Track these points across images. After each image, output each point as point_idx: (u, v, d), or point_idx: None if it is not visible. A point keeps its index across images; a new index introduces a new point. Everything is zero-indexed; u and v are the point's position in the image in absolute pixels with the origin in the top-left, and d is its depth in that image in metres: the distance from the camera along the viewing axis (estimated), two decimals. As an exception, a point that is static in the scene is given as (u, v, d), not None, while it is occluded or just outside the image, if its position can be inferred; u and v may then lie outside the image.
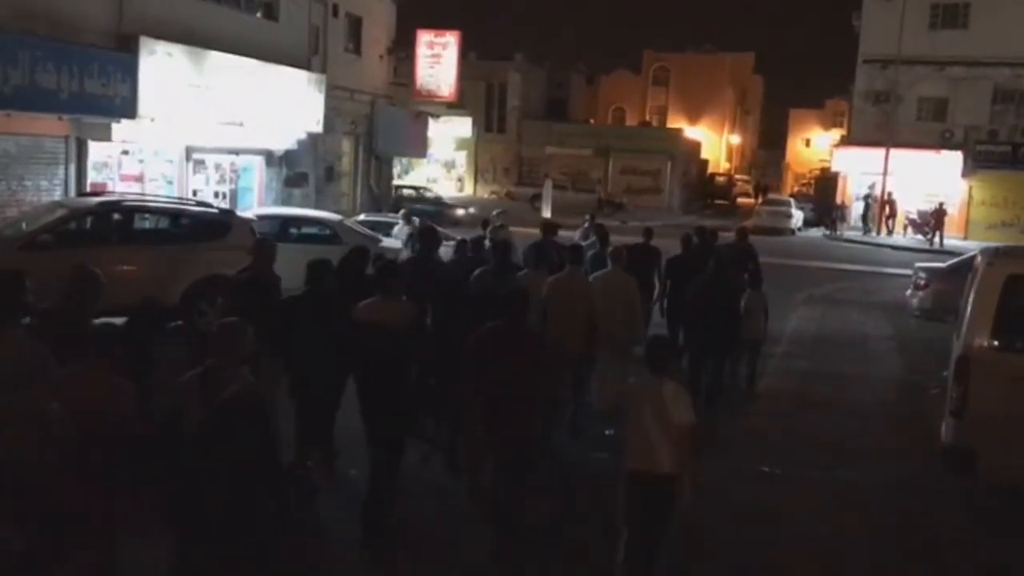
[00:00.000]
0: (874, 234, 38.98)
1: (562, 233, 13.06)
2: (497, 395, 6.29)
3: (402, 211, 18.52)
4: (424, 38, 38.83)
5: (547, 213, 34.90)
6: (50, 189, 16.54)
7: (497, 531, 6.58)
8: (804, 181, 65.60)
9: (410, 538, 6.93)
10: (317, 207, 22.99)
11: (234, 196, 21.78)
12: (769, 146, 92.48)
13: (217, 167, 21.40)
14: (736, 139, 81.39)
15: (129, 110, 17.01)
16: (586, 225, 16.27)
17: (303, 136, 24.04)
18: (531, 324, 7.32)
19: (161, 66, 17.78)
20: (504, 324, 6.54)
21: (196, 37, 18.97)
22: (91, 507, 4.54)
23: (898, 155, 38.31)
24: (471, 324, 6.79)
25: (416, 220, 18.04)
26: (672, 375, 6.02)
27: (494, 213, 18.55)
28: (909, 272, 19.71)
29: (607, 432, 8.53)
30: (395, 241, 16.73)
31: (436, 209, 32.08)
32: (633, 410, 5.94)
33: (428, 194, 37.98)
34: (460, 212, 33.66)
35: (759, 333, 11.78)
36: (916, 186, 39.12)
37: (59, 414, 4.36)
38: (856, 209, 41.13)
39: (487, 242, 11.32)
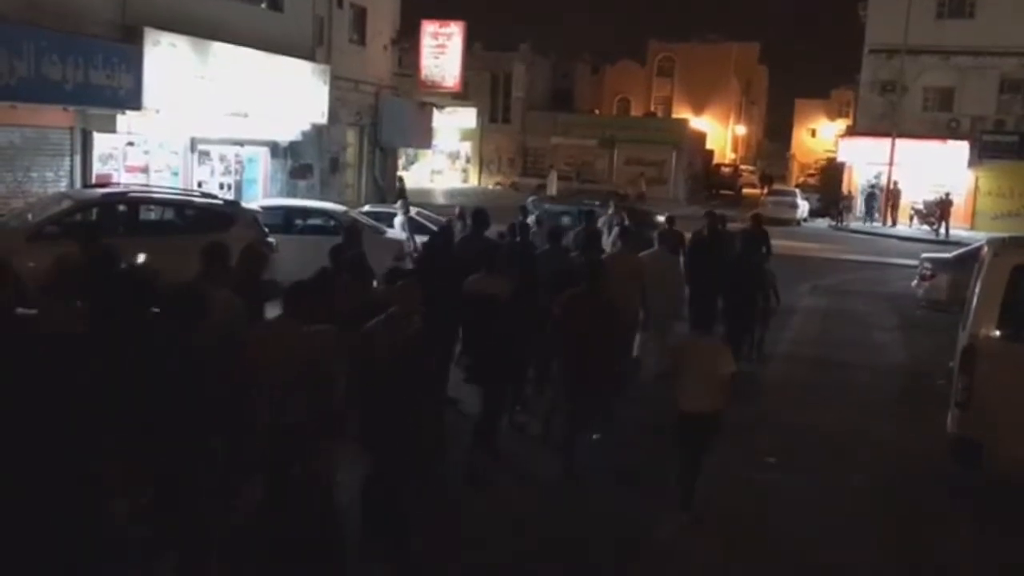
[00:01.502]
0: (879, 224, 38.91)
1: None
2: (580, 349, 7.81)
3: (399, 202, 18.53)
4: (428, 28, 38.73)
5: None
6: (56, 180, 16.55)
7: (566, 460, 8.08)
8: (810, 171, 65.38)
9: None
10: (322, 198, 22.98)
11: (239, 187, 21.77)
12: (775, 136, 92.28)
13: (222, 158, 21.39)
14: (741, 129, 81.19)
15: (134, 101, 17.00)
16: (610, 212, 17.28)
17: (308, 127, 24.02)
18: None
19: (166, 57, 17.77)
20: (585, 291, 8.07)
21: (200, 28, 18.94)
22: (317, 425, 5.50)
23: (904, 145, 38.19)
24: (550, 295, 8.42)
25: (413, 210, 18.16)
26: (716, 334, 7.67)
27: (529, 200, 19.86)
28: (915, 263, 19.68)
29: (594, 437, 8.73)
30: (399, 232, 16.72)
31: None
32: (685, 362, 7.41)
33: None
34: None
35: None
36: (922, 176, 39.00)
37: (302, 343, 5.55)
38: (861, 199, 41.07)
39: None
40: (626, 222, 15.02)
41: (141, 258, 11.39)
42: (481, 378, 8.28)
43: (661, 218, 19.99)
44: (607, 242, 13.25)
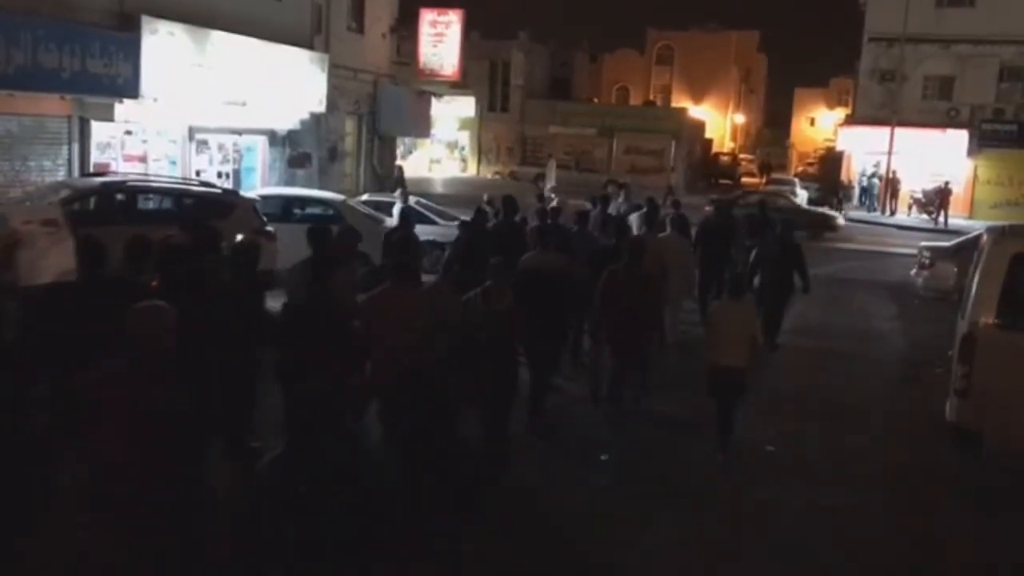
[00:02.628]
0: (878, 213, 38.88)
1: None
2: (622, 317, 8.93)
3: (399, 191, 18.58)
4: (427, 17, 38.63)
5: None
6: (54, 169, 16.51)
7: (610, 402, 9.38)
8: (809, 160, 65.31)
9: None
10: (320, 187, 22.90)
11: (237, 176, 21.73)
12: (774, 125, 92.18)
13: (220, 147, 21.33)
14: (740, 118, 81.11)
15: (132, 90, 16.94)
16: (620, 199, 18.33)
17: (306, 116, 23.95)
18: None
19: (163, 45, 17.70)
20: (626, 266, 9.13)
21: (198, 16, 18.86)
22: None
23: (903, 134, 38.16)
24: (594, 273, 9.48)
25: (412, 199, 18.21)
26: (745, 300, 9.03)
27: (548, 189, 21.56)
28: (914, 251, 19.69)
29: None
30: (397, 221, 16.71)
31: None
32: (720, 322, 8.62)
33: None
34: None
35: None
36: (921, 165, 38.98)
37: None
38: (860, 188, 41.06)
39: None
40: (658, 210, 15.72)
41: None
42: (537, 345, 8.96)
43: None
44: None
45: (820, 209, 33.65)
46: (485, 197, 16.25)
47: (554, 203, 16.74)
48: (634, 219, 14.56)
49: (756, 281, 12.92)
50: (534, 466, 8.15)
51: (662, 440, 9.21)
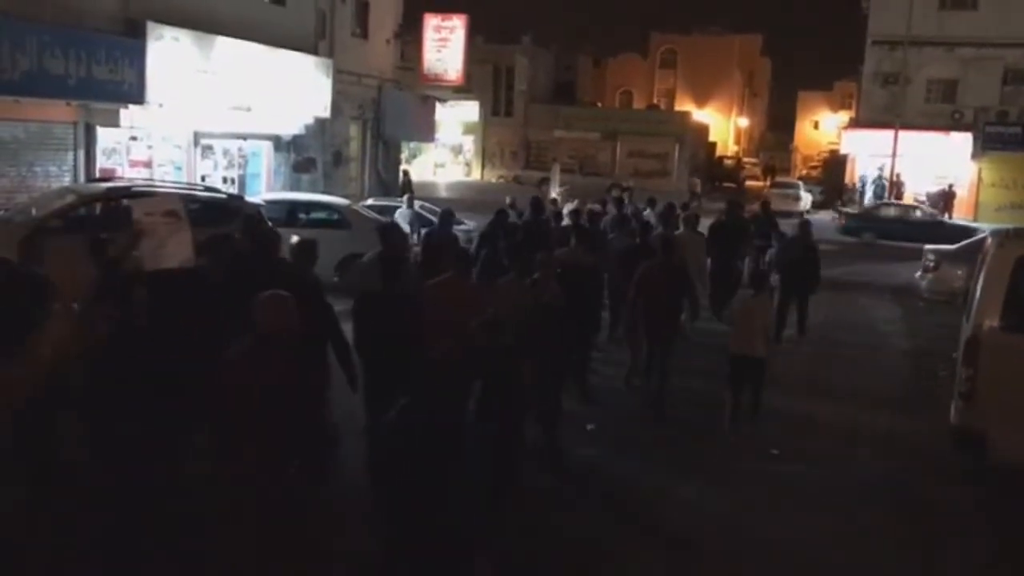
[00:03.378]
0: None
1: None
2: (656, 304, 9.82)
3: (406, 196, 18.69)
4: (431, 22, 38.69)
5: (554, 195, 34.81)
6: (59, 175, 16.57)
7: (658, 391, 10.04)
8: (813, 163, 65.27)
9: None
10: (325, 192, 22.95)
11: (242, 181, 21.79)
12: (777, 128, 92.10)
13: (225, 152, 21.40)
14: (744, 122, 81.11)
15: (137, 96, 17.01)
16: (627, 202, 19.09)
17: (311, 121, 24.01)
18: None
19: (168, 51, 17.77)
20: (661, 260, 10.09)
21: (203, 22, 18.94)
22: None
23: (907, 137, 38.10)
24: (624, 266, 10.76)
25: (417, 204, 18.39)
26: (763, 294, 10.07)
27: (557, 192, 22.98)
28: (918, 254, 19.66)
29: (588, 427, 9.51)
30: (403, 225, 16.74)
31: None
32: (743, 315, 9.61)
33: None
34: None
35: None
36: (925, 168, 38.93)
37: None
38: (865, 191, 40.97)
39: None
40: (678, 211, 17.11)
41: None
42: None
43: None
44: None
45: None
46: (508, 199, 17.20)
47: (574, 205, 18.71)
48: (650, 217, 15.96)
49: (776, 279, 14.26)
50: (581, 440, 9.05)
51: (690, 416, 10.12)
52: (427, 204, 20.10)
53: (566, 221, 14.24)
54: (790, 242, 14.83)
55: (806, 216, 36.49)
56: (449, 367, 4.62)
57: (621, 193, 20.26)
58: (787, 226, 17.75)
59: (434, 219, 18.24)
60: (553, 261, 9.03)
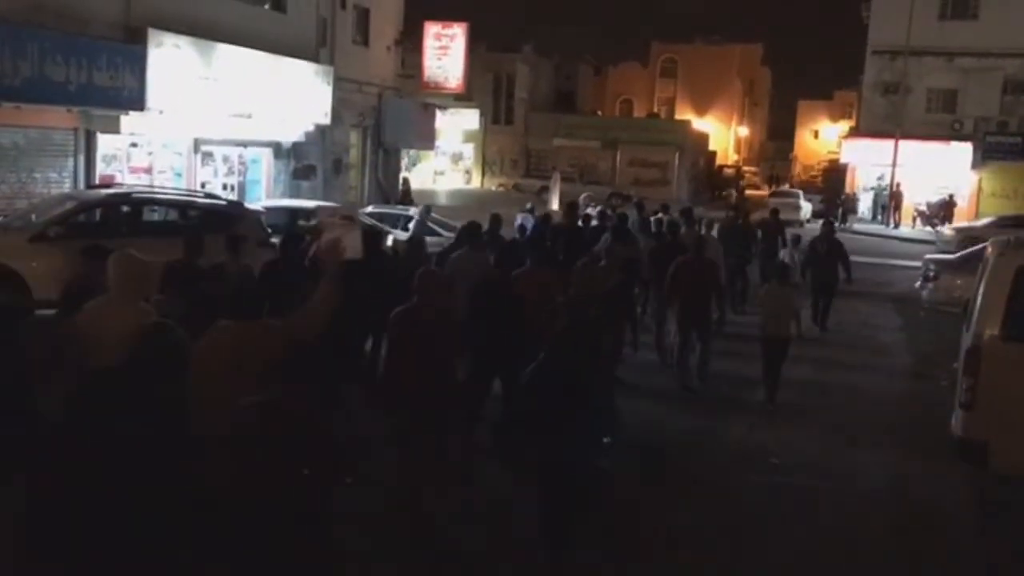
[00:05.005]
0: (883, 226, 38.84)
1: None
2: (691, 295, 11.11)
3: (422, 207, 19.44)
4: (432, 29, 38.77)
5: (555, 206, 34.86)
6: (59, 181, 16.57)
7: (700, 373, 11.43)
8: (813, 173, 65.34)
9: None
10: (325, 199, 22.96)
11: (242, 188, 21.80)
12: (777, 138, 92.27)
13: (225, 159, 21.41)
14: (744, 131, 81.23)
15: (137, 102, 17.02)
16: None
17: (311, 128, 24.04)
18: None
19: (169, 58, 17.79)
20: (695, 255, 11.47)
21: (204, 29, 18.96)
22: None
23: (907, 146, 38.16)
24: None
25: (413, 210, 19.28)
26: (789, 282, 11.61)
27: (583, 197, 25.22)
28: (918, 264, 19.65)
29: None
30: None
31: None
32: (771, 302, 11.02)
33: None
34: None
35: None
36: (925, 178, 38.97)
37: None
38: (865, 200, 41.04)
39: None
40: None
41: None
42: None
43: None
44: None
45: None
46: (528, 205, 20.13)
47: (598, 208, 21.81)
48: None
49: (807, 275, 15.72)
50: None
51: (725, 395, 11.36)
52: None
53: (594, 223, 16.33)
54: (815, 241, 16.05)
55: (805, 224, 36.59)
56: (570, 332, 6.11)
57: (625, 202, 22.17)
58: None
59: (434, 227, 18.33)
60: (616, 253, 11.22)
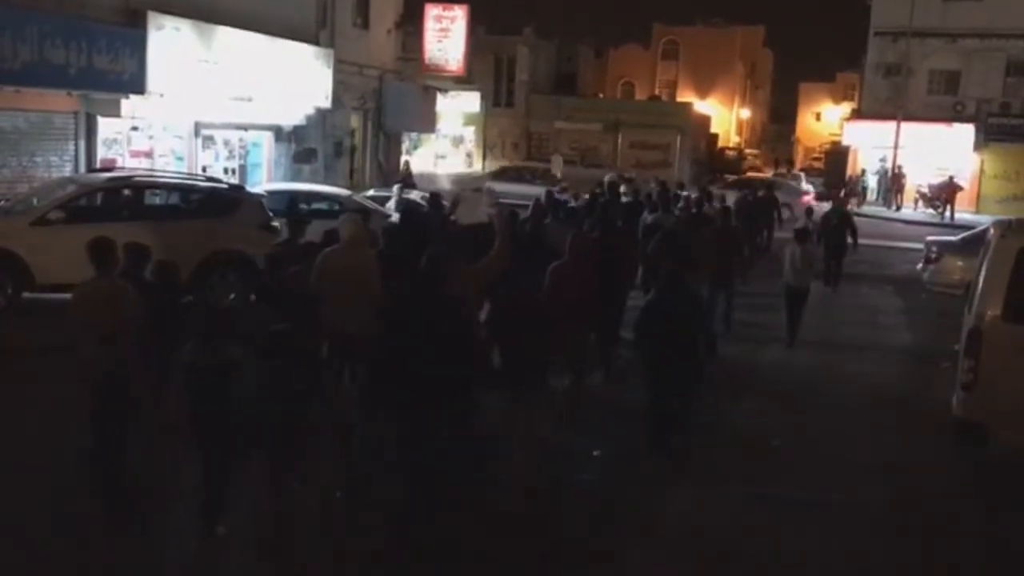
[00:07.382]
0: (884, 208, 38.74)
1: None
2: (723, 257, 13.07)
3: (402, 185, 19.14)
4: (432, 12, 38.57)
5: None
6: (60, 165, 16.55)
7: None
8: (815, 155, 65.15)
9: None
10: (326, 183, 22.93)
11: (243, 172, 21.77)
12: (779, 120, 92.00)
13: (226, 143, 21.37)
14: (746, 113, 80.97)
15: (138, 86, 16.98)
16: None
17: (312, 111, 23.99)
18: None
19: (169, 41, 17.74)
20: (722, 224, 14.10)
21: (204, 12, 18.90)
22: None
23: (909, 128, 38.05)
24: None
25: (415, 193, 19.25)
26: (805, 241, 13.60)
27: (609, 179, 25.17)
28: (920, 246, 19.64)
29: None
30: (393, 211, 16.84)
31: None
32: (790, 256, 13.29)
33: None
34: None
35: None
36: (927, 159, 38.85)
37: None
38: (868, 182, 40.95)
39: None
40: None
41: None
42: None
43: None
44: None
45: None
46: (558, 188, 23.03)
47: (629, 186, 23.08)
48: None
49: (821, 240, 17.58)
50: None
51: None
52: (426, 195, 20.06)
53: (626, 199, 18.23)
54: (828, 214, 18.89)
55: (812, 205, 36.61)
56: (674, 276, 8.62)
57: (662, 180, 23.62)
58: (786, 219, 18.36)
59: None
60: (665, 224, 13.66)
